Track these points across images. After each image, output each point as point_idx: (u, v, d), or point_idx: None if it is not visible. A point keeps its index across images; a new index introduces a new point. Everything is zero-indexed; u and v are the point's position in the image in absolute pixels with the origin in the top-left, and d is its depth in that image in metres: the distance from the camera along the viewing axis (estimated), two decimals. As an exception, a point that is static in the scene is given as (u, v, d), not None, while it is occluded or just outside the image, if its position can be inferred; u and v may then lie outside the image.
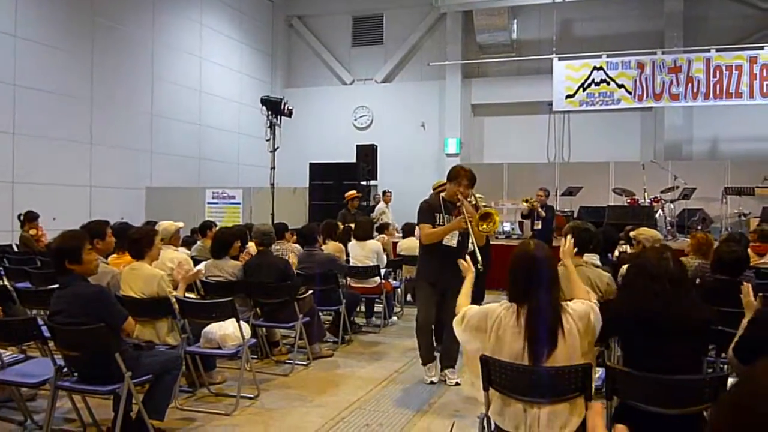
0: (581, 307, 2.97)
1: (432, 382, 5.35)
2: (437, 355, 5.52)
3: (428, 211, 5.34)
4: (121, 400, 3.71)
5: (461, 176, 5.29)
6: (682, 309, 2.89)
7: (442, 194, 5.47)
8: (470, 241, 5.29)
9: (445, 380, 5.40)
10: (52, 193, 11.51)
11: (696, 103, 13.76)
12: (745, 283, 3.56)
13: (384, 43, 18.33)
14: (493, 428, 3.06)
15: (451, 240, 5.32)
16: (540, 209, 10.04)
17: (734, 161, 13.97)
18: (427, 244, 5.32)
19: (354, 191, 11.30)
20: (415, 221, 6.00)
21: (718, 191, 12.38)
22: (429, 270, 5.39)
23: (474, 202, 5.41)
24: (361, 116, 18.33)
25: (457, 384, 5.31)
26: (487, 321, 3.02)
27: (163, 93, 14.68)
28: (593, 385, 2.88)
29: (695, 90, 13.47)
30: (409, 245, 8.38)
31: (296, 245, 7.48)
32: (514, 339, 2.91)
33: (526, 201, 10.17)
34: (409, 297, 9.18)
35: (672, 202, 11.86)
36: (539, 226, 10.13)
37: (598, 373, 3.18)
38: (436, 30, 17.64)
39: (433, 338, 5.56)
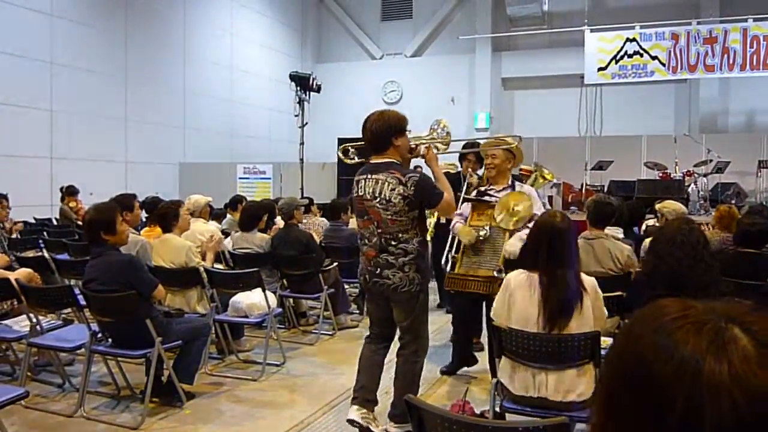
0: (589, 279, 3.06)
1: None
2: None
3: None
4: (152, 363, 3.90)
5: (406, 122, 3.76)
6: (702, 277, 2.94)
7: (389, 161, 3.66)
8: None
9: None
10: (89, 168, 11.81)
11: (732, 74, 13.40)
12: None
13: (413, 17, 18.19)
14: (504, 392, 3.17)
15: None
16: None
17: (771, 134, 13.63)
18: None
19: None
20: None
21: (754, 165, 12.13)
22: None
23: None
24: (390, 91, 18.28)
25: None
26: (507, 286, 3.15)
27: (195, 69, 14.87)
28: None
29: (731, 61, 13.13)
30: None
31: (323, 219, 7.62)
32: (524, 305, 3.01)
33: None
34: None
35: (705, 176, 11.65)
36: None
37: (609, 341, 3.24)
38: (466, 3, 17.40)
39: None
